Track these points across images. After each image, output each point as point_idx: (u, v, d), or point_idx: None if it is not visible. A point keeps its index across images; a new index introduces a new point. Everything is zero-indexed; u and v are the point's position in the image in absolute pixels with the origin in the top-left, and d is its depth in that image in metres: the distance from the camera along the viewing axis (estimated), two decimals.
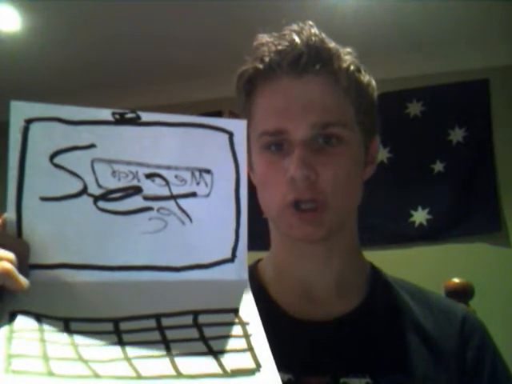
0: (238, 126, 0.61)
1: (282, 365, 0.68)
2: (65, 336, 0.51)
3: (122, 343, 0.52)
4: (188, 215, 0.60)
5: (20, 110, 0.56)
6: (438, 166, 3.03)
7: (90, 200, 0.57)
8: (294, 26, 0.73)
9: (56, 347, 0.49)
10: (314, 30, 0.72)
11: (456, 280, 1.49)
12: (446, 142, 3.04)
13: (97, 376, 0.48)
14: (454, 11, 2.65)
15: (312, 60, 0.70)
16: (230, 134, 0.61)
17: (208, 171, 0.60)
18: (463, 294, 1.43)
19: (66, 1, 2.54)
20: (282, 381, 0.68)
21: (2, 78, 3.17)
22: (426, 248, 2.98)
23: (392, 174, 2.95)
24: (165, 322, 0.54)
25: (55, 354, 0.49)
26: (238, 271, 0.60)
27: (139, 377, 0.49)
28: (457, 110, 3.04)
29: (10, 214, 0.55)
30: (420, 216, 3.01)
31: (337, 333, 0.72)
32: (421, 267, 2.74)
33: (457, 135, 3.03)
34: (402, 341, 0.72)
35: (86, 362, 0.49)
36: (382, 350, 0.71)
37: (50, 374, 0.47)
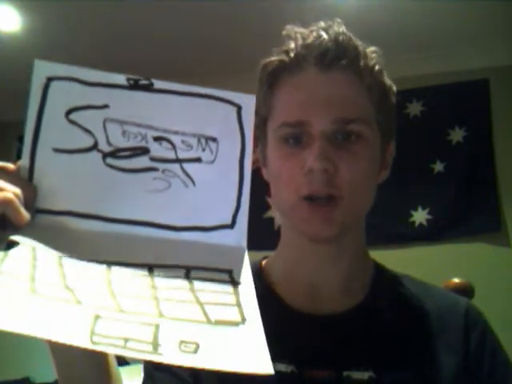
0: (247, 100, 0.63)
1: (285, 357, 0.69)
2: (56, 267, 0.53)
3: (110, 282, 0.54)
4: (192, 179, 0.61)
5: (43, 69, 0.60)
6: (438, 166, 3.03)
7: (100, 156, 0.60)
8: (322, 24, 0.73)
9: (45, 274, 0.52)
10: (342, 29, 0.72)
11: (456, 280, 1.49)
12: (446, 142, 3.04)
13: (78, 302, 0.50)
14: (454, 11, 2.65)
15: (338, 56, 0.70)
16: (239, 108, 0.63)
17: (214, 139, 0.62)
18: (463, 293, 1.43)
19: (66, 1, 2.54)
20: (286, 373, 0.69)
21: (2, 78, 3.17)
22: (426, 248, 2.98)
23: (392, 174, 2.94)
24: (157, 271, 0.56)
25: (42, 278, 0.51)
26: (237, 238, 0.61)
27: (120, 310, 0.50)
28: (457, 109, 3.04)
29: (24, 161, 0.59)
30: (420, 216, 3.01)
31: (340, 327, 0.72)
32: (421, 267, 2.73)
33: (457, 135, 3.04)
34: (405, 335, 0.73)
35: (70, 290, 0.51)
36: (385, 344, 0.72)
37: (33, 291, 0.49)
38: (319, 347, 0.71)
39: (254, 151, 0.68)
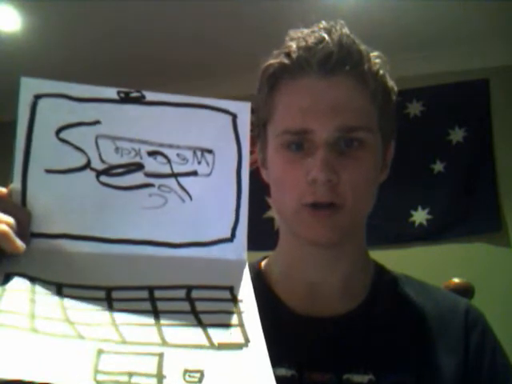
0: (242, 108, 0.62)
1: (285, 361, 0.68)
2: (55, 299, 0.52)
3: (111, 310, 0.53)
4: (188, 193, 0.60)
5: (30, 86, 0.58)
6: (438, 166, 3.03)
7: (93, 174, 0.59)
8: (324, 24, 0.72)
9: (45, 308, 0.51)
10: (345, 30, 0.71)
11: (456, 280, 1.49)
12: (445, 142, 3.03)
13: (80, 337, 0.49)
14: (453, 11, 2.65)
15: (342, 60, 0.68)
16: (234, 116, 0.61)
17: (210, 151, 0.61)
18: (463, 294, 1.43)
19: (65, 1, 2.53)
20: (286, 377, 0.69)
21: (2, 78, 3.16)
22: (426, 248, 2.98)
23: (392, 174, 2.93)
24: (157, 293, 0.55)
25: (42, 313, 0.50)
26: (237, 251, 0.60)
27: (123, 342, 0.50)
28: (457, 109, 3.04)
29: (16, 184, 0.57)
30: (420, 216, 3.01)
31: (340, 329, 0.72)
32: (421, 267, 2.73)
33: (457, 135, 3.03)
34: (405, 337, 0.73)
35: (72, 323, 0.50)
36: (385, 346, 0.71)
37: (34, 330, 0.48)
38: (319, 350, 0.71)
39: (254, 151, 0.68)
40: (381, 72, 0.72)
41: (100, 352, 0.48)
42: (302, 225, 0.70)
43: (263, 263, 0.81)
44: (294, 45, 0.70)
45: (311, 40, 0.69)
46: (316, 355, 0.71)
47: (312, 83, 0.69)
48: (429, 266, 2.78)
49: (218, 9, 2.62)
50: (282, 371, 0.68)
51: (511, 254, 2.88)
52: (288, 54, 0.71)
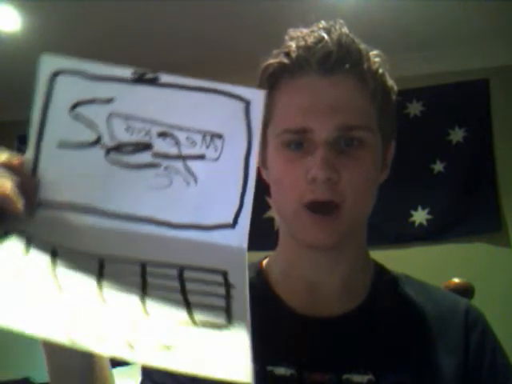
0: (256, 95, 0.61)
1: (285, 360, 0.68)
2: (48, 256, 0.54)
3: (100, 277, 0.54)
4: (194, 176, 0.61)
5: (49, 63, 0.60)
6: (438, 166, 3.03)
7: (103, 151, 0.60)
8: (323, 24, 0.72)
9: (36, 261, 0.52)
10: (345, 30, 0.71)
11: (456, 280, 1.49)
12: (445, 142, 3.04)
13: (60, 290, 0.50)
14: (453, 11, 2.65)
15: (341, 59, 0.69)
16: (247, 103, 0.61)
17: (219, 136, 0.61)
18: (463, 294, 1.43)
19: (65, 0, 2.54)
20: (285, 376, 0.69)
21: (2, 78, 3.17)
22: (426, 248, 2.98)
23: (392, 174, 2.93)
24: (149, 269, 0.56)
25: (32, 264, 0.52)
26: (238, 238, 0.60)
27: (103, 301, 0.50)
28: (457, 110, 3.04)
29: (29, 156, 0.59)
30: (420, 216, 3.01)
31: (340, 329, 0.72)
32: (421, 267, 2.73)
33: (457, 135, 3.04)
34: (405, 337, 0.73)
35: (57, 279, 0.51)
36: (385, 346, 0.71)
37: (21, 277, 0.50)
38: (319, 350, 0.71)
39: None
40: (380, 71, 0.72)
41: (78, 310, 0.49)
42: (301, 227, 0.70)
43: (264, 263, 0.81)
44: (293, 44, 0.71)
45: (311, 39, 0.70)
46: (316, 355, 0.71)
47: (312, 82, 0.69)
48: (429, 266, 2.79)
49: (218, 9, 2.62)
50: (282, 370, 0.68)
51: (511, 253, 2.88)
52: (288, 54, 0.71)
